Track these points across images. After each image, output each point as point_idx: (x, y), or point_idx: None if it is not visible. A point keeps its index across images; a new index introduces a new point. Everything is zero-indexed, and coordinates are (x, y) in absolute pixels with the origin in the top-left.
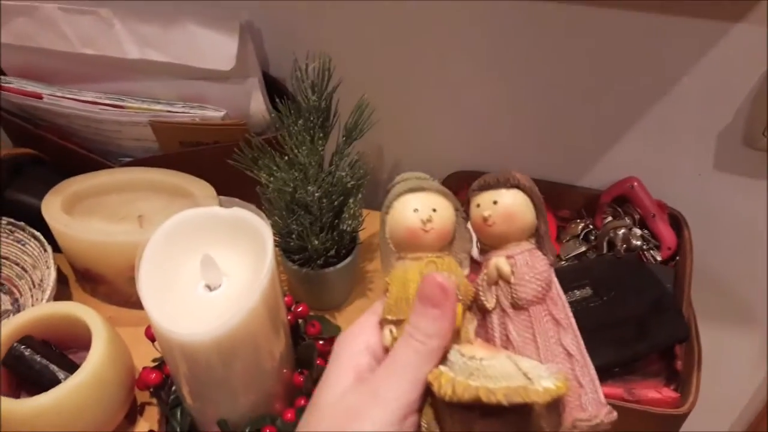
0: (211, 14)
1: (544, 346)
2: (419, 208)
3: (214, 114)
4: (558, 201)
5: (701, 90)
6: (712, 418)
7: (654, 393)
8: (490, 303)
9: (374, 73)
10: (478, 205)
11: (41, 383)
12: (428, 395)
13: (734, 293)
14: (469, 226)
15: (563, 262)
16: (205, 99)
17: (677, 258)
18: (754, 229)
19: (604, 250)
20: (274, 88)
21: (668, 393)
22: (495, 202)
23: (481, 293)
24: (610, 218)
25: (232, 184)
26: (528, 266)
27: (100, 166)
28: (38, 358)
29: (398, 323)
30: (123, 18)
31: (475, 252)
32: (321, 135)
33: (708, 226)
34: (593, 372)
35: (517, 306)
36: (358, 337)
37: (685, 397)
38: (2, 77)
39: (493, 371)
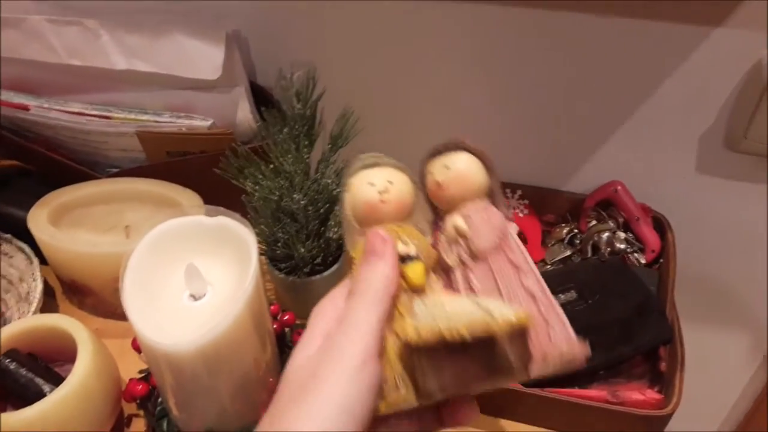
0: (198, 24)
1: (506, 291)
2: (375, 182)
3: (200, 123)
4: (543, 205)
5: (683, 94)
6: (699, 419)
7: (638, 395)
8: (452, 261)
9: (360, 80)
10: (431, 173)
11: (27, 397)
12: (398, 351)
13: (718, 294)
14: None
15: (549, 266)
16: (192, 108)
17: (661, 261)
18: (737, 230)
19: (589, 254)
20: (261, 97)
21: (652, 394)
22: (446, 167)
23: (442, 253)
24: (594, 222)
25: (220, 193)
26: (483, 220)
27: (87, 177)
28: (23, 371)
29: None
30: (110, 29)
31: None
32: (306, 143)
33: (691, 228)
34: (559, 310)
35: (476, 257)
36: (327, 306)
37: (668, 398)
38: None
39: (454, 312)
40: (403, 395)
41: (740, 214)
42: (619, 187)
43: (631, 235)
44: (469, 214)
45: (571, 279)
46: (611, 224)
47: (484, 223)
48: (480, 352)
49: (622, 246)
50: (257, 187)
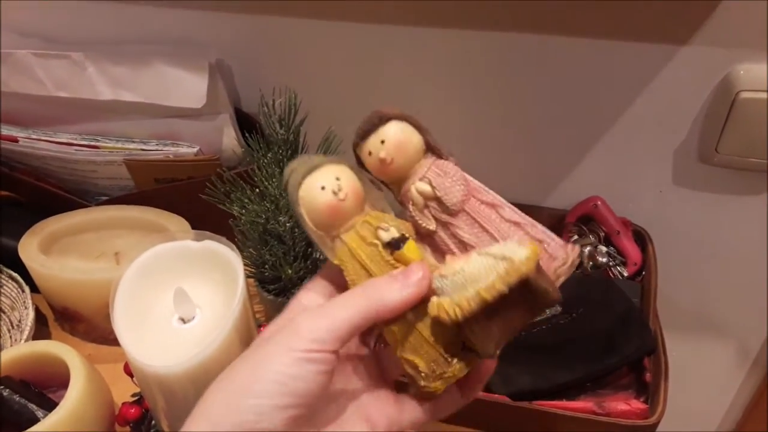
0: (181, 54)
1: (495, 230)
2: (325, 184)
3: (187, 150)
4: None
5: (655, 110)
6: (691, 427)
7: (623, 405)
8: (431, 225)
9: (343, 104)
10: (370, 153)
11: (20, 423)
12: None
13: (701, 304)
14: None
15: None
16: (178, 136)
17: (643, 273)
18: (715, 241)
19: None
20: (246, 123)
21: (637, 405)
22: (382, 141)
23: (419, 221)
24: (576, 237)
25: (208, 219)
26: (441, 175)
27: (77, 205)
28: (17, 398)
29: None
30: (95, 61)
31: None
32: None
33: (671, 240)
34: (542, 226)
35: (453, 212)
36: (307, 293)
37: (653, 408)
38: None
39: (477, 272)
40: (458, 367)
41: (718, 225)
42: (598, 202)
43: (612, 248)
44: (426, 175)
45: None
46: (592, 239)
47: (444, 177)
48: (519, 297)
49: (604, 260)
50: (244, 211)
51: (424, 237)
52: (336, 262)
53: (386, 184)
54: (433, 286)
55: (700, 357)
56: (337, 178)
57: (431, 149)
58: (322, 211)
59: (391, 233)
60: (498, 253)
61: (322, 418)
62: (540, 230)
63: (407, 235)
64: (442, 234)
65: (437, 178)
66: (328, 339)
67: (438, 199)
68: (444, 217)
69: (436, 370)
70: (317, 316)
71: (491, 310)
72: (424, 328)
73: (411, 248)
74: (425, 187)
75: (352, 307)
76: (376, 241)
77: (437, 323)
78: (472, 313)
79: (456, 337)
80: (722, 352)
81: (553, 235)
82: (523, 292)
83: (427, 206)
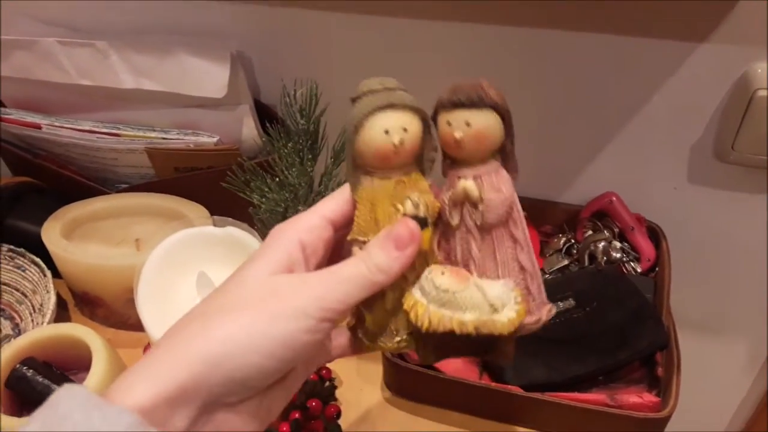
0: (203, 45)
1: (502, 263)
2: (390, 130)
3: (207, 140)
4: (540, 217)
5: (671, 107)
6: (703, 424)
7: (635, 398)
8: (454, 221)
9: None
10: (449, 123)
11: (43, 403)
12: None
13: (715, 301)
14: (434, 134)
15: (547, 276)
16: (198, 126)
17: (657, 269)
18: (729, 239)
19: (586, 263)
20: (265, 114)
21: (649, 398)
22: (468, 124)
23: (446, 211)
24: (590, 232)
25: (226, 207)
26: (494, 190)
27: (98, 192)
28: (40, 378)
29: (366, 244)
30: (118, 49)
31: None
32: (310, 157)
33: (685, 237)
34: (540, 277)
35: (482, 228)
36: (292, 229)
37: (666, 402)
38: (2, 109)
39: (463, 302)
40: (395, 346)
41: (732, 222)
42: (613, 198)
43: (626, 244)
44: (481, 176)
45: (569, 287)
46: (606, 234)
47: (495, 193)
48: (481, 341)
49: (618, 255)
50: (263, 200)
51: (444, 224)
52: (355, 197)
53: (446, 155)
54: (422, 283)
55: (712, 354)
56: (405, 129)
57: (504, 155)
58: (373, 151)
59: (418, 210)
60: (492, 297)
61: None
62: (536, 285)
63: (429, 221)
64: (457, 235)
65: (490, 189)
66: (333, 314)
67: (477, 209)
68: (470, 225)
69: (377, 334)
70: (324, 292)
71: (454, 337)
72: (390, 295)
73: (423, 236)
74: (474, 192)
75: (354, 283)
76: (400, 207)
77: (401, 303)
78: (435, 331)
79: (410, 323)
80: (734, 350)
81: (543, 291)
82: (488, 342)
83: (463, 204)
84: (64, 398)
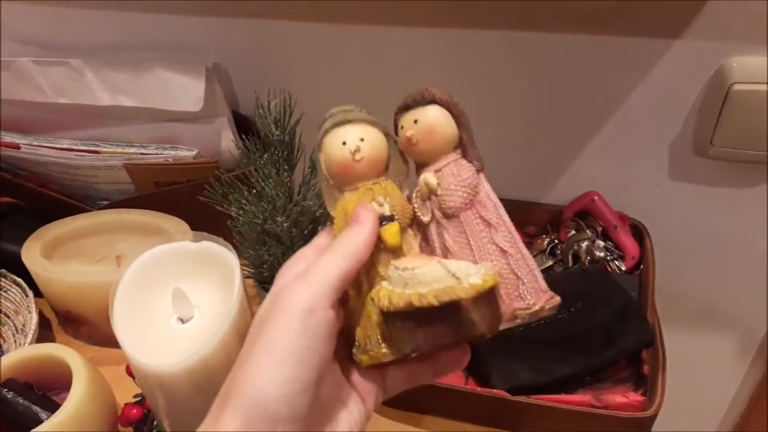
0: (178, 59)
1: (477, 248)
2: (347, 141)
3: (186, 154)
4: (524, 218)
5: (650, 105)
6: (695, 421)
7: (621, 398)
8: (425, 217)
9: (339, 104)
10: (402, 127)
11: (24, 424)
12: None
13: (701, 297)
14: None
15: None
16: (177, 140)
17: (641, 267)
18: (712, 233)
19: (570, 263)
20: (244, 126)
21: (634, 397)
22: (415, 121)
23: (417, 209)
24: (573, 232)
25: (208, 220)
26: (453, 176)
27: (79, 210)
28: (21, 400)
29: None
30: (94, 67)
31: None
32: (286, 168)
33: (669, 234)
34: (532, 263)
35: (447, 215)
36: (293, 266)
37: (651, 400)
38: None
39: (424, 277)
40: (384, 352)
41: (715, 217)
42: (595, 197)
43: (610, 243)
44: (441, 168)
45: (553, 288)
46: (589, 233)
47: (454, 178)
48: (448, 315)
49: (602, 254)
50: (241, 212)
51: (421, 226)
52: (332, 213)
53: (413, 161)
54: (388, 272)
55: (701, 351)
56: (362, 139)
57: (462, 147)
58: (334, 165)
59: (382, 209)
60: (454, 268)
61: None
62: (526, 267)
63: (397, 218)
64: (432, 229)
65: (448, 177)
66: (321, 300)
67: (438, 197)
68: (438, 215)
69: (367, 345)
70: (305, 284)
71: (421, 315)
72: (371, 304)
73: (391, 231)
74: (432, 180)
75: (333, 263)
76: None
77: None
78: (398, 310)
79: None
80: (723, 346)
81: (539, 278)
82: (456, 315)
83: (429, 198)
84: None
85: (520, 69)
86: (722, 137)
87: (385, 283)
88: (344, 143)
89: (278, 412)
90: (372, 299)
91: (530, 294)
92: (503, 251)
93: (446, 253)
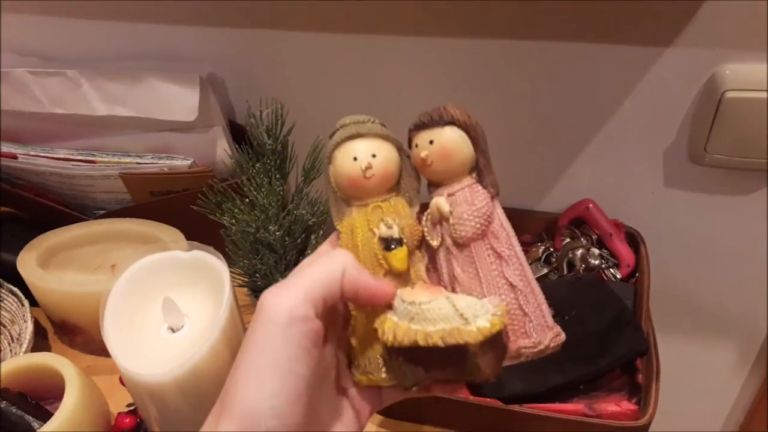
0: (173, 69)
1: (486, 281)
2: (358, 156)
3: (181, 163)
4: (519, 226)
5: (643, 112)
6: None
7: (614, 406)
8: (434, 241)
9: (331, 114)
10: (417, 145)
11: None
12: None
13: (698, 305)
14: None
15: None
16: (172, 149)
17: (637, 275)
18: (707, 240)
19: (565, 271)
20: (240, 135)
21: (627, 406)
22: (431, 142)
23: (427, 233)
24: (568, 240)
25: (203, 229)
26: (467, 203)
27: (75, 219)
28: (14, 409)
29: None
30: (89, 77)
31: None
32: (278, 176)
33: (664, 241)
34: (540, 298)
35: (458, 244)
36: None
37: (644, 409)
38: None
39: (431, 314)
40: (385, 378)
41: (710, 224)
42: (590, 205)
43: (605, 251)
44: (454, 193)
45: (548, 296)
46: (584, 241)
47: (468, 206)
48: (454, 356)
49: (596, 262)
50: (234, 221)
51: (429, 248)
52: (338, 227)
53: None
54: (393, 303)
55: (699, 359)
56: (374, 155)
57: (478, 171)
58: (344, 179)
59: (391, 231)
60: (462, 307)
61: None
62: (534, 306)
63: (405, 241)
64: (441, 255)
65: (462, 203)
66: (303, 308)
67: (449, 224)
68: (449, 242)
69: (367, 367)
70: (285, 290)
71: (426, 354)
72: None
73: (399, 256)
74: (444, 207)
75: (320, 270)
76: (375, 231)
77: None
78: (402, 346)
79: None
80: (721, 354)
81: (546, 314)
82: (460, 356)
83: (441, 223)
84: None
85: (515, 77)
86: (716, 144)
87: (390, 314)
88: (355, 159)
89: (271, 427)
90: (376, 329)
91: (536, 331)
92: (512, 286)
93: (454, 282)
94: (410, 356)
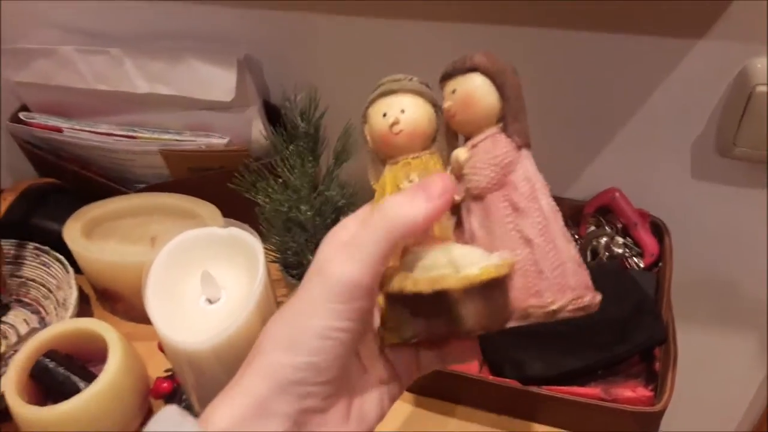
0: (212, 50)
1: (498, 235)
2: (387, 112)
3: (218, 141)
4: None
5: (673, 104)
6: (715, 420)
7: (629, 392)
8: (456, 196)
9: (363, 99)
10: (443, 97)
11: (64, 393)
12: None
13: (721, 296)
14: None
15: None
16: (209, 128)
17: (660, 264)
18: (733, 233)
19: (588, 258)
20: (274, 115)
21: (642, 392)
22: (453, 91)
23: None
24: (593, 227)
25: (237, 206)
26: (486, 152)
27: (117, 192)
28: (61, 370)
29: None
30: (132, 56)
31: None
32: (311, 159)
33: (689, 232)
34: (566, 256)
35: (473, 195)
36: (338, 232)
37: (660, 396)
38: (27, 113)
39: (427, 262)
40: (387, 336)
41: (736, 217)
42: (617, 194)
43: (630, 239)
44: (476, 144)
45: None
46: (608, 230)
47: (486, 155)
48: (440, 305)
49: (620, 250)
50: (268, 200)
51: (454, 206)
52: (374, 186)
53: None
54: (404, 257)
55: (720, 349)
56: (403, 111)
57: (504, 120)
58: (377, 137)
59: None
60: (456, 255)
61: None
62: (552, 260)
63: None
64: (463, 211)
65: (481, 153)
66: (363, 280)
67: (464, 175)
68: (465, 194)
69: (380, 325)
70: (345, 260)
71: (416, 303)
72: None
73: None
74: (462, 156)
75: (374, 237)
76: (401, 187)
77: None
78: (395, 293)
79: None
80: (743, 345)
81: (568, 274)
82: (444, 305)
83: (462, 175)
84: (161, 417)
85: (546, 66)
86: (745, 138)
87: (391, 270)
88: (384, 115)
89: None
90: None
91: (551, 291)
92: (528, 240)
93: (473, 238)
94: (405, 306)
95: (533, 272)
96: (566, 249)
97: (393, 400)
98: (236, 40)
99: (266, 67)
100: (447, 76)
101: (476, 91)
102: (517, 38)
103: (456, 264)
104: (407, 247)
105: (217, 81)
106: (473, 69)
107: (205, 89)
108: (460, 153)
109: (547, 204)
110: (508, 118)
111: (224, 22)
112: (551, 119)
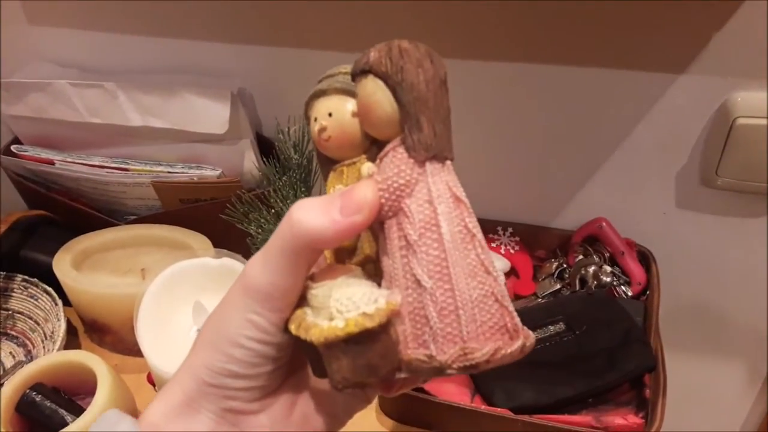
0: (205, 84)
1: (394, 269)
2: (317, 117)
3: (210, 173)
4: (534, 242)
5: (657, 135)
6: None
7: (620, 420)
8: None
9: None
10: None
11: (51, 426)
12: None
13: (708, 323)
14: None
15: (539, 300)
16: (202, 160)
17: (647, 292)
18: (718, 262)
19: (577, 287)
20: (266, 147)
21: (633, 419)
22: (330, 114)
23: None
24: (581, 257)
25: (229, 237)
26: (381, 171)
27: (107, 224)
28: (48, 403)
29: None
30: (126, 90)
31: None
32: (303, 189)
33: (675, 261)
34: (464, 299)
35: (374, 224)
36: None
37: (650, 423)
38: (18, 146)
39: (316, 302)
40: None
41: (720, 245)
42: (603, 224)
43: (617, 268)
44: (382, 158)
45: (560, 311)
46: (596, 258)
47: (381, 175)
48: (316, 352)
49: (608, 279)
50: (260, 231)
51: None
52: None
53: None
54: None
55: (709, 376)
56: (330, 114)
57: (405, 129)
58: (314, 143)
59: None
60: (337, 299)
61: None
62: (444, 308)
63: None
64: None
65: (381, 169)
66: (268, 289)
67: None
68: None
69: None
70: (255, 264)
71: (307, 345)
72: None
73: None
74: (365, 171)
75: (280, 244)
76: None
77: None
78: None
79: None
80: (731, 372)
81: (462, 323)
82: (317, 354)
83: None
84: (102, 419)
85: (533, 99)
86: (727, 169)
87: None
88: (315, 119)
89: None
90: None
91: (437, 343)
92: (418, 283)
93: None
94: (306, 348)
95: (420, 320)
96: (467, 290)
97: (349, 407)
98: (230, 74)
99: (259, 101)
100: (351, 78)
101: (373, 98)
102: (505, 73)
103: (339, 307)
104: (314, 274)
105: (210, 114)
106: (366, 71)
107: (198, 122)
108: (365, 167)
109: (452, 232)
110: (405, 127)
111: (218, 57)
112: (539, 151)
